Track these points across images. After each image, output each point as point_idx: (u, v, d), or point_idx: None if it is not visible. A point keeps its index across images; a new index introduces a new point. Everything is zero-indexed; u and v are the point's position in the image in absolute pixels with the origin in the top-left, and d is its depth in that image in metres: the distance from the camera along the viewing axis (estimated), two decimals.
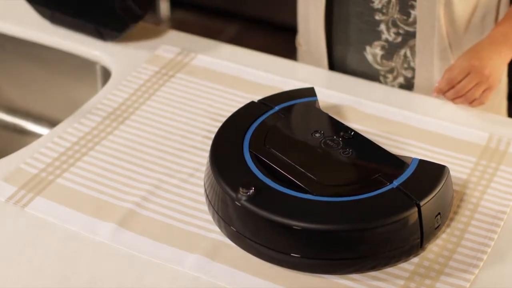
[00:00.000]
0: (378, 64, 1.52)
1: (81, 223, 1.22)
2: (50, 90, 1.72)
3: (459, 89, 1.40)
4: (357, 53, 1.54)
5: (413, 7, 1.43)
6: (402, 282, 1.13)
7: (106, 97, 1.48)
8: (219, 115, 1.43)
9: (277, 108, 1.32)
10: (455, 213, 1.24)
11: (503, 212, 1.24)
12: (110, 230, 1.21)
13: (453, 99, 1.43)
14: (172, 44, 1.61)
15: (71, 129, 1.40)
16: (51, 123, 1.70)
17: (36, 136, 1.72)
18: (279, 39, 3.08)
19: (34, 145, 1.37)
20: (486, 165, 1.32)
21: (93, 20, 1.58)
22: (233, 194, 1.15)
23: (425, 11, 1.42)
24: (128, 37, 1.62)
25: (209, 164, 1.22)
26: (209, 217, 1.23)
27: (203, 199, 1.26)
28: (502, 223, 1.22)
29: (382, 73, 1.52)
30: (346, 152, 1.23)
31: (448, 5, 1.41)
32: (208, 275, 1.14)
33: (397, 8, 1.44)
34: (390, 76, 1.52)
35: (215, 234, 1.20)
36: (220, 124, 1.39)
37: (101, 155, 1.35)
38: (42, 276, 1.15)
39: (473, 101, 1.42)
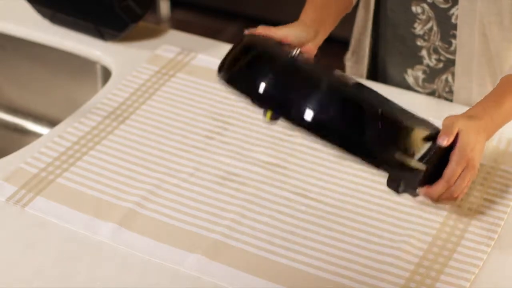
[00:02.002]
0: (419, 86, 1.52)
1: (81, 223, 1.22)
2: (51, 90, 1.72)
3: (455, 190, 1.16)
4: (398, 75, 1.54)
5: (455, 36, 1.43)
6: (402, 282, 1.13)
7: (106, 97, 1.48)
8: (220, 115, 1.43)
9: None
10: (455, 213, 1.24)
11: (503, 212, 1.24)
12: (111, 229, 1.21)
13: (442, 201, 1.18)
14: (172, 44, 1.62)
15: (71, 128, 1.40)
16: (52, 122, 1.70)
17: (37, 135, 1.72)
18: None
19: (35, 144, 1.37)
20: (486, 165, 1.32)
21: (93, 19, 1.58)
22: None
23: (465, 40, 1.41)
24: (129, 36, 1.62)
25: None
26: (209, 216, 1.23)
27: (203, 198, 1.26)
28: (502, 223, 1.22)
29: (424, 95, 1.52)
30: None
31: (485, 35, 1.40)
32: (208, 275, 1.15)
33: (439, 36, 1.44)
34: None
35: (215, 234, 1.20)
36: (220, 124, 1.39)
37: (101, 154, 1.35)
38: (42, 276, 1.15)
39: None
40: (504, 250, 1.19)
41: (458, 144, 1.15)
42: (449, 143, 1.13)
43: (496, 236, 1.20)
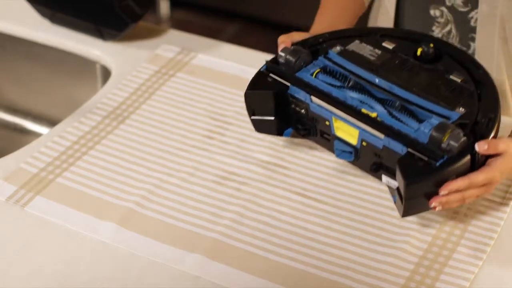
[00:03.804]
0: None
1: (81, 223, 1.22)
2: (50, 90, 1.72)
3: (470, 195, 1.16)
4: None
5: (473, 39, 1.43)
6: (402, 282, 1.13)
7: (106, 97, 1.48)
8: (219, 115, 1.43)
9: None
10: (456, 212, 1.24)
11: (503, 212, 1.24)
12: (110, 229, 1.21)
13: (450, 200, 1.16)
14: (172, 44, 1.61)
15: (71, 128, 1.40)
16: (51, 122, 1.70)
17: (36, 135, 1.71)
18: None
19: (34, 144, 1.37)
20: None
21: (93, 19, 1.58)
22: None
23: (484, 44, 1.40)
24: (128, 36, 1.62)
25: None
26: (209, 216, 1.23)
27: (203, 198, 1.26)
28: (502, 223, 1.22)
29: None
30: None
31: (505, 39, 1.40)
32: (208, 275, 1.14)
33: (457, 39, 1.44)
34: None
35: (215, 233, 1.20)
36: (220, 124, 1.39)
37: (101, 154, 1.35)
38: (42, 276, 1.15)
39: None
40: (504, 250, 1.19)
41: (500, 159, 1.15)
42: (485, 153, 1.14)
43: (496, 236, 1.20)
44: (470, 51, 1.44)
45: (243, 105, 1.45)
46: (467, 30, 1.42)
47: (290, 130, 1.29)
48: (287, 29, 3.11)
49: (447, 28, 1.44)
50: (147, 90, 1.50)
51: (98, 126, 1.41)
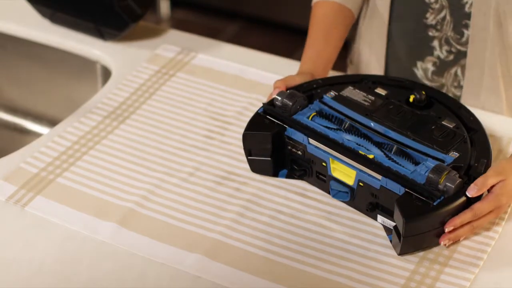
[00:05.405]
0: (428, 79, 1.51)
1: (81, 223, 1.22)
2: (51, 89, 1.72)
3: (478, 225, 1.18)
4: (406, 70, 1.53)
5: (467, 26, 1.43)
6: (402, 282, 1.13)
7: (106, 96, 1.48)
8: (219, 114, 1.43)
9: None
10: None
11: (504, 212, 1.24)
12: (111, 229, 1.21)
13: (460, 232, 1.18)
14: (172, 44, 1.61)
15: (71, 128, 1.40)
16: (52, 122, 1.70)
17: (37, 135, 1.72)
18: (279, 38, 3.08)
19: (34, 144, 1.37)
20: None
21: (93, 19, 1.58)
22: None
23: (479, 29, 1.41)
24: (129, 36, 1.62)
25: None
26: (209, 216, 1.23)
27: (203, 198, 1.26)
28: (503, 223, 1.22)
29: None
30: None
31: (500, 24, 1.40)
32: (208, 275, 1.14)
33: (451, 25, 1.44)
34: None
35: (215, 234, 1.20)
36: (220, 124, 1.39)
37: (101, 154, 1.35)
38: (42, 276, 1.15)
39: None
40: (504, 250, 1.19)
41: (500, 184, 1.17)
42: (477, 194, 1.16)
43: (497, 236, 1.20)
44: (463, 40, 1.44)
45: (243, 105, 1.45)
46: (461, 16, 1.42)
47: (285, 171, 1.31)
48: (287, 29, 3.13)
49: (442, 15, 1.44)
50: (147, 90, 1.50)
51: (98, 126, 1.41)
